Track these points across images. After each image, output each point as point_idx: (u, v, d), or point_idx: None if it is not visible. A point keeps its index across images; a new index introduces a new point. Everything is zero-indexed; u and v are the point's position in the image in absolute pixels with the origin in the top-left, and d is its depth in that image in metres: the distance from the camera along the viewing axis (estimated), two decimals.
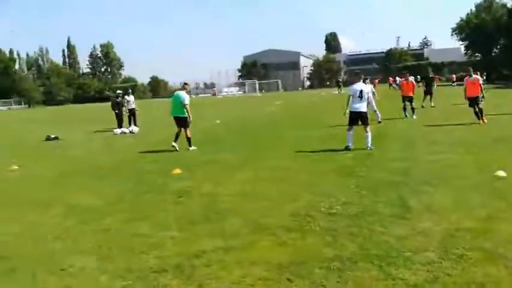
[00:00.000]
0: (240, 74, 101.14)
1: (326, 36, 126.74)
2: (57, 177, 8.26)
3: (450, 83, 48.70)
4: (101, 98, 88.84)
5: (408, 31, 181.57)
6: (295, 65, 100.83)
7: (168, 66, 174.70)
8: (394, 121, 14.72)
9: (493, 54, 68.21)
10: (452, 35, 74.59)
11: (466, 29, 69.76)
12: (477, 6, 72.63)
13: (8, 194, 7.02)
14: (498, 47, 67.02)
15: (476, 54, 73.64)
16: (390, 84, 48.33)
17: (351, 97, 9.34)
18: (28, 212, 5.79)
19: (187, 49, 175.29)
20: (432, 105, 19.65)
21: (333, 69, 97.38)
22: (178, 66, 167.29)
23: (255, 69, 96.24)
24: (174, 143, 10.83)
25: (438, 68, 75.24)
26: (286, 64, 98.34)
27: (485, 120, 12.43)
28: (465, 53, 78.58)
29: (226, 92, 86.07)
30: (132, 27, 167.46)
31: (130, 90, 19.93)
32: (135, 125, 18.16)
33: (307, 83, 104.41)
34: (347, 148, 9.19)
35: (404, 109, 15.63)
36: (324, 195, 5.67)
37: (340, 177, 6.75)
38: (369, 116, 9.59)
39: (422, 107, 18.98)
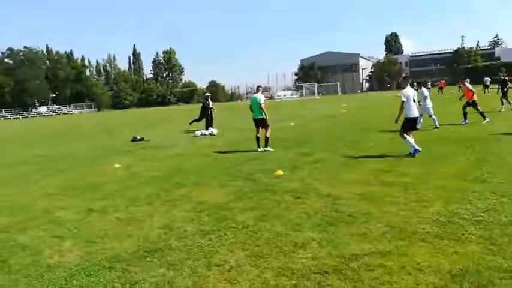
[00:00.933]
0: (296, 77, 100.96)
1: (386, 38, 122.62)
2: (167, 175, 8.58)
3: None
4: (163, 102, 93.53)
5: (475, 30, 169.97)
6: (354, 67, 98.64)
7: (225, 71, 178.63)
8: (478, 125, 13.74)
9: None
10: None
11: None
12: None
13: (130, 191, 7.37)
14: None
15: None
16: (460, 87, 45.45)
17: (405, 103, 8.90)
18: (160, 208, 6.06)
19: (245, 53, 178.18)
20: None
21: (394, 71, 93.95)
22: (235, 70, 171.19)
23: (312, 71, 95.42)
24: (259, 148, 11.13)
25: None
26: (344, 66, 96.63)
27: None
28: None
29: (279, 95, 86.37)
30: (192, 32, 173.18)
31: (209, 94, 20.48)
32: (212, 126, 18.66)
33: (366, 85, 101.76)
34: (416, 152, 8.69)
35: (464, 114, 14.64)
36: (457, 201, 5.36)
37: (464, 182, 6.35)
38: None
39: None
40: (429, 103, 14.12)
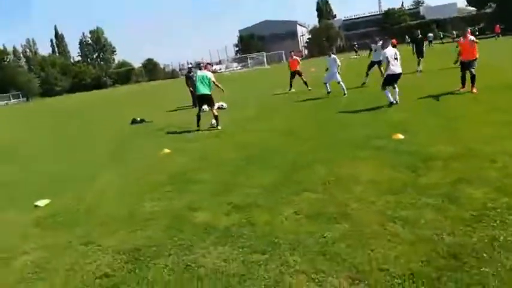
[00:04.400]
0: (237, 48, 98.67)
1: (317, 3, 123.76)
2: (252, 156, 7.09)
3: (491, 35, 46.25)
4: (98, 86, 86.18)
5: None
6: (292, 35, 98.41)
7: (160, 48, 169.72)
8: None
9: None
10: None
11: None
12: None
13: (242, 178, 5.90)
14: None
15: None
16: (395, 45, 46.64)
17: (388, 60, 9.97)
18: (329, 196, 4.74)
19: (178, 29, 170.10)
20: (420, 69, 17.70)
21: (332, 35, 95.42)
22: (170, 47, 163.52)
23: (252, 42, 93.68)
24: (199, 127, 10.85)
25: (440, 24, 74.01)
26: (283, 34, 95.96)
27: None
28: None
29: (220, 68, 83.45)
30: (118, 9, 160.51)
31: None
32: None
33: (305, 51, 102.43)
34: (392, 104, 10.02)
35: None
36: None
37: None
38: None
39: (420, 71, 17.24)
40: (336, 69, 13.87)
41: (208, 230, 4.19)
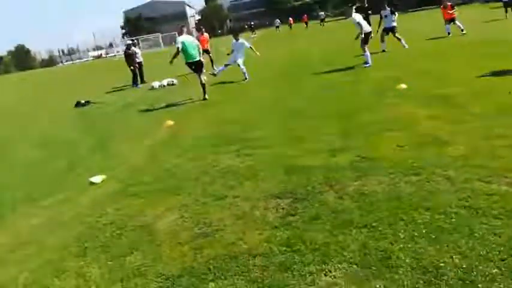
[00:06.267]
0: (124, 31, 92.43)
1: None
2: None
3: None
4: None
5: None
6: (182, 16, 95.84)
7: (30, 34, 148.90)
8: None
9: None
10: None
11: None
12: None
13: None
14: None
15: None
16: (290, 25, 50.22)
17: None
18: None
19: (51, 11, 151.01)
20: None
21: (221, 17, 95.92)
22: (42, 31, 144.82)
23: (140, 23, 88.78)
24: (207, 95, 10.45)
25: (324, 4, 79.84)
26: (172, 16, 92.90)
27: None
28: None
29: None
30: None
31: (136, 41, 17.43)
32: (143, 80, 16.72)
33: (195, 34, 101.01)
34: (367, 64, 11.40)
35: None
36: None
37: None
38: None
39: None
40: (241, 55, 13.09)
41: (333, 170, 4.35)
